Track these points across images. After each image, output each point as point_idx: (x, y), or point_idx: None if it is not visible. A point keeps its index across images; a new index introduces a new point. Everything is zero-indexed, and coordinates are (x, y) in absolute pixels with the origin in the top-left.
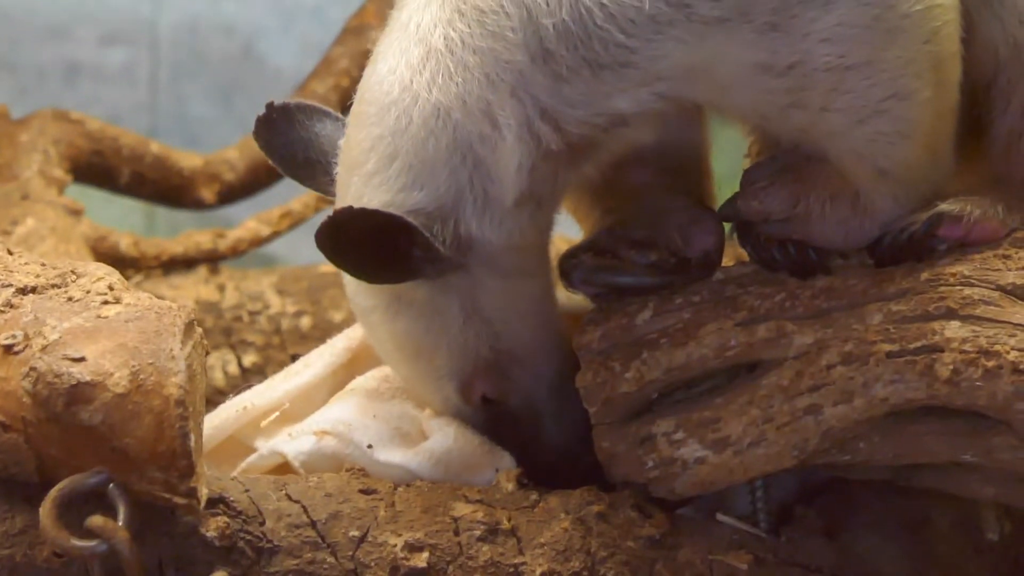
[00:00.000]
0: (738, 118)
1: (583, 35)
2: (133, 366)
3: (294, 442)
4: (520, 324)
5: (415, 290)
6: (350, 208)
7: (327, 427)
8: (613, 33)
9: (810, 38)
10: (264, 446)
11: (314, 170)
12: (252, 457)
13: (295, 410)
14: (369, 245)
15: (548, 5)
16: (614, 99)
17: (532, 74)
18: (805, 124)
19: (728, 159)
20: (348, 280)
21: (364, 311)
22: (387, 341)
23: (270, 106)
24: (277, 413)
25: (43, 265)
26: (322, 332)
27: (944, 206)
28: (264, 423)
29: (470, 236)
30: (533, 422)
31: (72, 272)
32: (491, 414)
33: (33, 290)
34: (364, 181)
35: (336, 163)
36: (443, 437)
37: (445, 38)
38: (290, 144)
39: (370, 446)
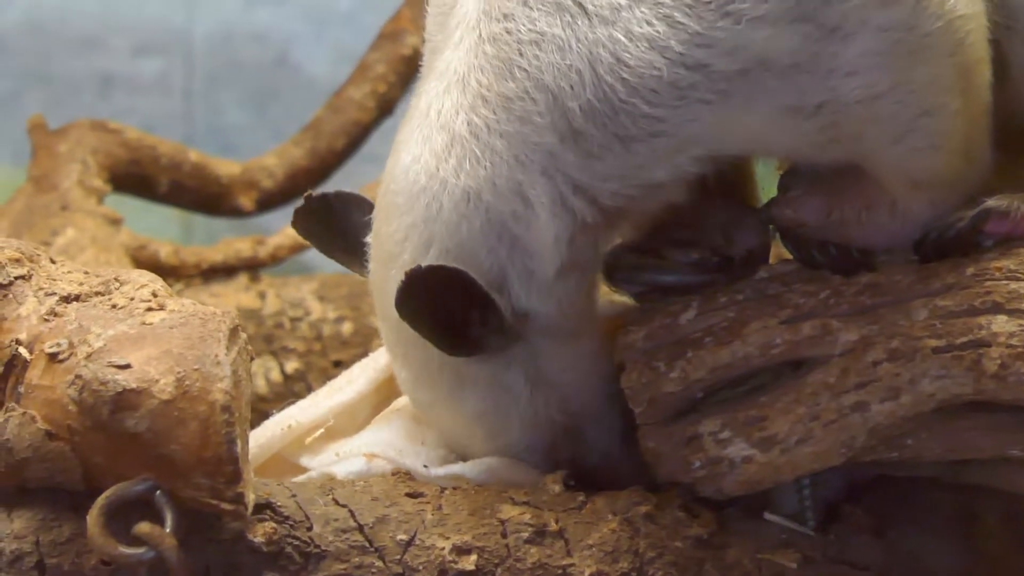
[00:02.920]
0: (780, 158)
1: (609, 112)
2: (178, 372)
3: (344, 463)
4: (584, 383)
5: (476, 371)
6: (418, 267)
7: (377, 450)
8: (638, 105)
9: (835, 74)
10: (312, 463)
11: (353, 258)
12: (301, 477)
13: (339, 426)
14: (438, 313)
15: (572, 88)
16: (650, 170)
17: (563, 153)
18: (841, 155)
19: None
20: (404, 379)
21: (427, 405)
22: (457, 428)
23: (308, 197)
24: (322, 430)
25: (86, 273)
26: (363, 338)
27: (991, 202)
28: (308, 440)
29: (522, 308)
30: (610, 477)
31: (115, 279)
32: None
33: (77, 298)
34: (403, 273)
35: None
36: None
37: (469, 124)
38: (330, 233)
39: (426, 466)
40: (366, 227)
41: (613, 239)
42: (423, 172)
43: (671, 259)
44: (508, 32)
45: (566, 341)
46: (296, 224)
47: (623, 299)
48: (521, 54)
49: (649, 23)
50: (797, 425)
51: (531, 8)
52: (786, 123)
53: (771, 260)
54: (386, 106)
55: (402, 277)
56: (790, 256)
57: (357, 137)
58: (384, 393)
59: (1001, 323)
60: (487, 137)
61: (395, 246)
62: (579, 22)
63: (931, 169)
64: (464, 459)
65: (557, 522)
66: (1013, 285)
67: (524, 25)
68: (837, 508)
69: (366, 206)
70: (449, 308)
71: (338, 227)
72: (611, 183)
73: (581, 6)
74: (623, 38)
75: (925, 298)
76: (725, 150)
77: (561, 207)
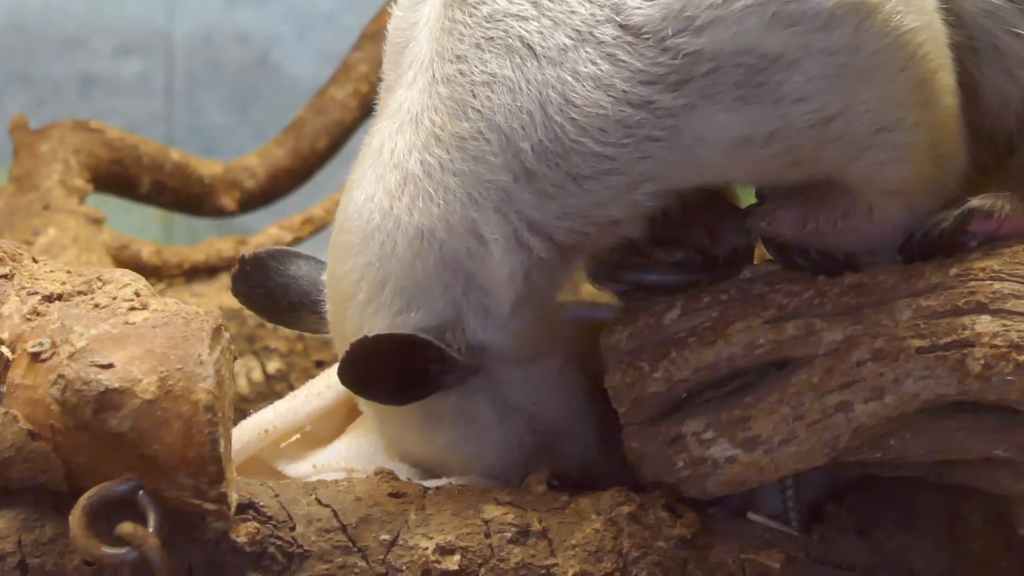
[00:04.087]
0: (744, 186)
1: (561, 151)
2: (161, 372)
3: (322, 476)
4: (552, 402)
5: (443, 403)
6: (364, 339)
7: (357, 465)
8: (588, 144)
9: (783, 102)
10: (288, 470)
11: (300, 313)
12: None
13: (317, 431)
14: (388, 371)
15: (524, 129)
16: (606, 207)
17: (517, 192)
18: (804, 176)
19: None
20: (373, 413)
21: (398, 437)
22: (431, 459)
23: (242, 260)
24: (298, 435)
25: (69, 272)
26: None
27: (974, 202)
28: (284, 444)
29: (479, 341)
30: (592, 482)
31: (98, 279)
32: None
33: (59, 297)
34: (359, 311)
35: (322, 300)
36: None
37: (422, 163)
38: (270, 292)
39: (391, 472)
40: (306, 279)
41: (571, 273)
42: (377, 211)
43: (655, 258)
44: (461, 73)
45: (527, 366)
46: (235, 290)
47: (606, 298)
48: (474, 95)
49: (593, 62)
50: (781, 425)
51: (483, 50)
52: (741, 154)
53: (755, 260)
54: (368, 106)
55: (357, 323)
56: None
57: (339, 137)
58: None
59: (985, 323)
60: (440, 176)
61: (351, 286)
62: (528, 64)
63: (900, 179)
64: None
65: (540, 522)
66: (997, 285)
67: (476, 67)
68: (821, 508)
69: (302, 259)
70: (400, 367)
71: (276, 284)
72: (567, 221)
73: (530, 48)
74: (570, 78)
75: (909, 298)
76: (683, 184)
77: (516, 244)
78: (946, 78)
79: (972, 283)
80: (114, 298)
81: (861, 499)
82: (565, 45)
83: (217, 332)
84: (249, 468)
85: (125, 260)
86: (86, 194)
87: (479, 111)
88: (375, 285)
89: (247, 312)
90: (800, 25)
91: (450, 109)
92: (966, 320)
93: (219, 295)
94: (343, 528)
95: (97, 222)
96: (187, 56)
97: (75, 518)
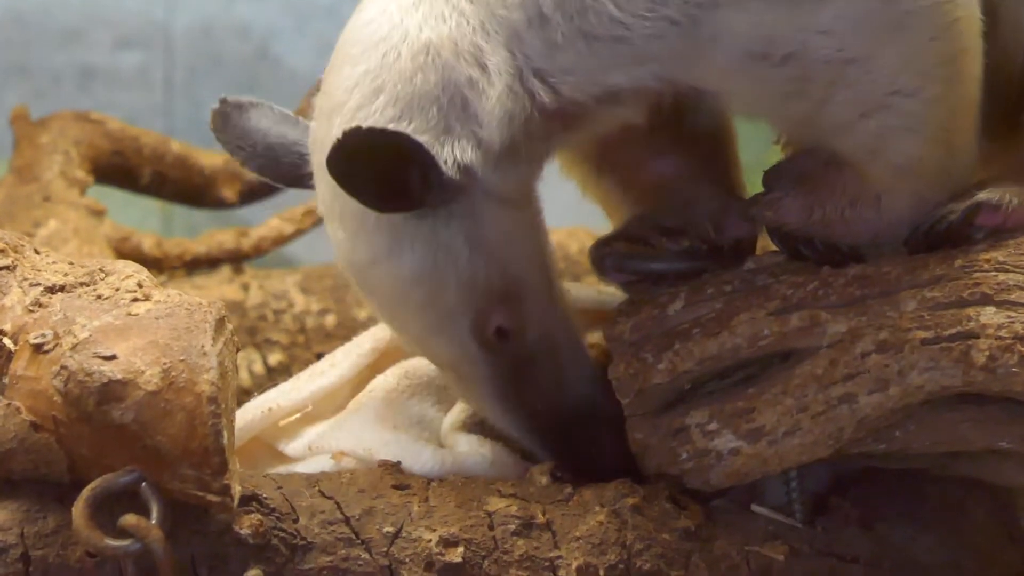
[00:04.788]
0: (739, 108)
1: (579, 6)
2: (164, 363)
3: (312, 461)
4: (523, 250)
5: (415, 228)
6: (357, 128)
7: (347, 448)
8: (608, 6)
9: (807, 29)
10: (288, 449)
11: (275, 154)
12: (280, 469)
13: (318, 410)
14: (375, 169)
15: None
16: (610, 73)
17: (528, 36)
18: (806, 116)
19: (753, 148)
20: (341, 241)
21: (364, 266)
22: (393, 293)
23: (223, 100)
24: (298, 414)
25: (71, 264)
26: (347, 330)
27: (982, 195)
28: (283, 423)
29: (467, 165)
30: (553, 362)
31: (101, 270)
32: (508, 357)
33: (62, 288)
34: (348, 118)
35: (299, 149)
36: (473, 451)
37: None
38: (247, 134)
39: (398, 463)
40: (286, 133)
41: (568, 144)
42: (386, 23)
43: (660, 247)
44: None
45: (508, 208)
46: (214, 127)
47: (610, 289)
48: None
49: None
50: (785, 417)
51: None
52: (752, 67)
53: (759, 251)
54: None
55: (345, 127)
56: None
57: None
58: (366, 377)
59: (990, 315)
60: (414, 17)
61: (343, 94)
62: None
63: (910, 153)
64: (441, 445)
65: (544, 514)
66: (1002, 276)
67: None
68: (825, 500)
69: (288, 119)
70: (387, 169)
71: (254, 128)
72: (572, 76)
73: None
74: None
75: (914, 289)
76: (686, 78)
77: (520, 85)
78: (974, 65)
79: (977, 274)
80: (117, 289)
81: (865, 491)
82: None
83: (220, 323)
84: (250, 448)
85: (126, 252)
86: (87, 185)
87: None
88: (369, 93)
89: (248, 304)
90: None
91: None
92: (971, 311)
93: (220, 287)
94: (346, 520)
95: (98, 214)
96: (187, 49)
97: (78, 510)
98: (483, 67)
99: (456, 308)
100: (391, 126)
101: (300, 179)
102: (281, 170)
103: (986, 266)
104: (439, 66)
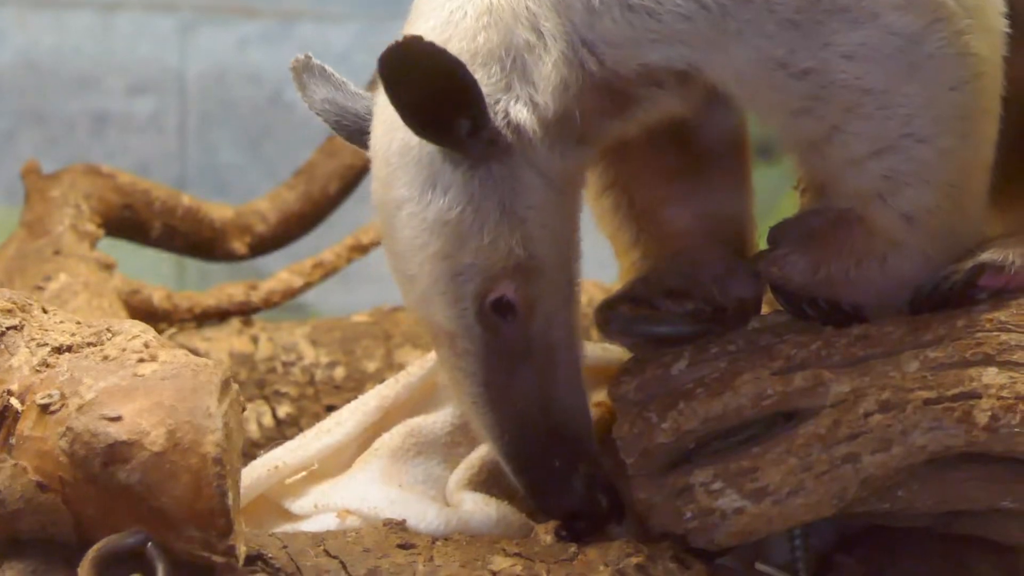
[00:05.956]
0: (755, 113)
1: None
2: (170, 424)
3: (318, 518)
4: (551, 235)
5: (452, 177)
6: (419, 38)
7: (352, 505)
8: None
9: (830, 48)
10: (294, 507)
11: (354, 117)
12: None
13: (324, 468)
14: (425, 88)
15: None
16: (643, 48)
17: (574, 2)
18: (817, 140)
19: (763, 193)
20: (383, 177)
21: (394, 204)
22: (415, 237)
23: (298, 60)
24: (304, 472)
25: (79, 323)
26: (356, 383)
27: (985, 256)
28: (289, 481)
29: (517, 125)
30: (548, 358)
31: (108, 330)
32: (506, 340)
33: (69, 349)
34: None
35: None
36: (478, 509)
37: None
38: (326, 99)
39: (403, 521)
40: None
41: (618, 130)
42: None
43: (665, 309)
44: None
45: (548, 185)
46: (298, 87)
47: (616, 347)
48: None
49: None
50: (789, 476)
51: None
52: (771, 75)
53: (763, 310)
54: None
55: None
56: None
57: (351, 180)
58: (371, 435)
59: (992, 375)
60: None
61: None
62: None
63: (918, 203)
64: (447, 503)
65: (548, 573)
66: (1004, 337)
67: None
68: (829, 558)
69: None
70: (436, 95)
71: (333, 94)
72: (611, 48)
73: None
74: None
75: (916, 349)
76: (709, 70)
77: (572, 53)
78: (991, 126)
79: (979, 335)
80: (123, 349)
81: (869, 549)
82: None
83: (226, 384)
84: (257, 506)
85: (136, 305)
86: (97, 239)
87: None
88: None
89: (257, 357)
90: None
91: None
92: (973, 372)
93: (230, 339)
94: None
95: (108, 267)
96: (200, 95)
97: (84, 570)
98: (539, 33)
99: (469, 267)
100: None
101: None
102: (359, 137)
103: (988, 326)
104: (501, 29)
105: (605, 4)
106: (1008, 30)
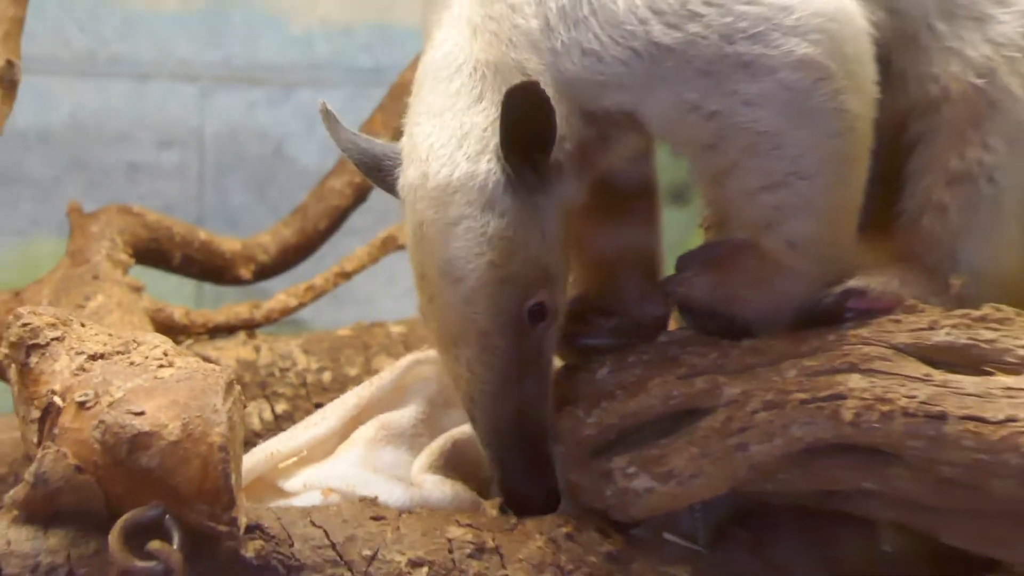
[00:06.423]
0: (673, 147)
1: (576, 19)
2: (184, 418)
3: (306, 496)
4: (564, 251)
5: (509, 202)
6: (536, 83)
7: (334, 485)
8: (593, 24)
9: (735, 96)
10: (286, 485)
11: (375, 160)
12: (280, 502)
13: (312, 454)
14: (523, 120)
15: None
16: (596, 90)
17: (542, 42)
18: (720, 172)
19: (675, 231)
20: (432, 194)
21: (451, 220)
22: (470, 248)
23: (324, 106)
24: (295, 458)
25: (110, 335)
26: (340, 385)
27: (852, 283)
28: (283, 465)
29: (559, 162)
30: (547, 362)
31: (133, 341)
32: (531, 340)
33: (102, 356)
34: (461, 114)
35: (388, 162)
36: (437, 489)
37: (481, 16)
38: (350, 140)
39: (375, 498)
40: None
41: (609, 162)
42: (460, 52)
43: (595, 324)
44: None
45: (565, 212)
46: (329, 130)
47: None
48: None
49: None
50: (690, 462)
51: None
52: (686, 116)
53: (672, 326)
54: (361, 194)
55: (458, 124)
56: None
57: (337, 219)
58: (350, 427)
59: (856, 380)
60: (473, 46)
61: (447, 99)
62: None
63: (801, 232)
64: (411, 483)
65: (494, 540)
66: (866, 349)
67: None
68: (723, 529)
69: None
70: (528, 127)
71: (355, 137)
72: (578, 90)
73: None
74: None
75: (795, 359)
76: (644, 113)
77: (555, 91)
78: (861, 171)
79: (846, 347)
80: (146, 357)
81: (757, 521)
82: None
83: (230, 385)
84: (256, 485)
85: (161, 321)
86: (128, 266)
87: None
88: (472, 99)
89: (259, 363)
90: (776, 52)
91: None
92: (840, 378)
93: (236, 349)
94: (332, 545)
95: (137, 290)
96: (216, 149)
97: (113, 537)
98: (526, 74)
99: (515, 275)
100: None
101: (387, 184)
102: (376, 174)
103: (853, 340)
104: (499, 83)
105: (566, 47)
106: (878, 95)
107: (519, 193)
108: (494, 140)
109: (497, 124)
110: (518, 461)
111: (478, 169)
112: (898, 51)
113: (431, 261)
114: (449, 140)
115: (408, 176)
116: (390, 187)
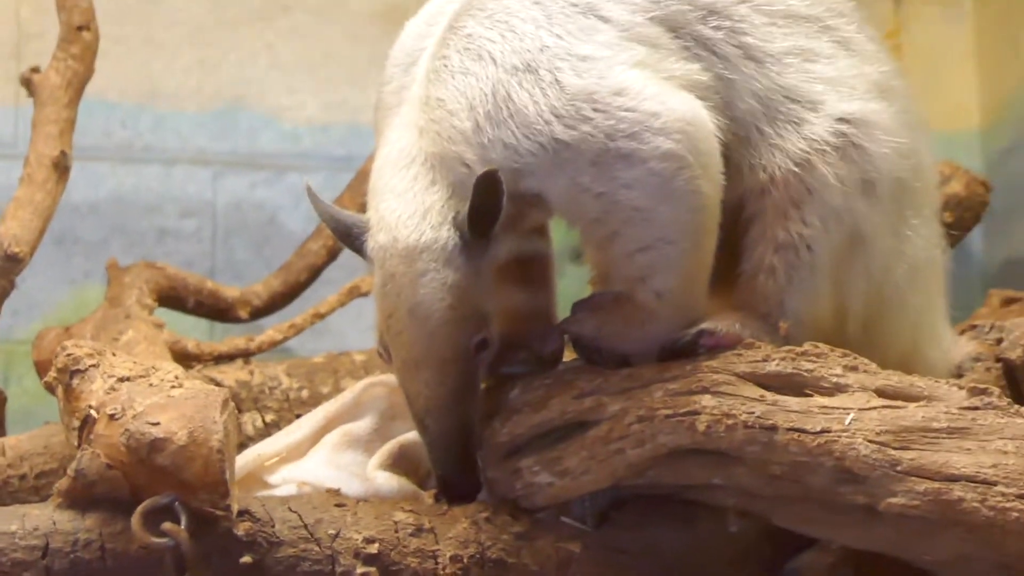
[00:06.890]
0: (568, 221)
1: (499, 119)
2: (190, 428)
3: (285, 488)
4: (494, 291)
5: (467, 260)
6: (496, 171)
7: (306, 479)
8: (511, 125)
9: (616, 180)
10: (270, 479)
11: (347, 230)
12: (263, 493)
13: (290, 455)
14: (484, 200)
15: (481, 100)
16: (514, 177)
17: (474, 138)
18: (604, 239)
19: (574, 283)
20: (402, 252)
21: (419, 272)
22: (434, 295)
23: (309, 188)
24: (277, 458)
25: (134, 363)
26: (315, 401)
27: (705, 324)
28: (267, 463)
29: (497, 231)
30: (478, 382)
31: (152, 367)
32: (474, 366)
33: (128, 379)
34: (421, 194)
35: (356, 231)
36: (386, 483)
37: (424, 120)
38: (331, 213)
39: (338, 490)
40: (347, 218)
41: (523, 228)
42: (411, 146)
43: (509, 356)
44: (446, 67)
45: (498, 263)
46: (315, 207)
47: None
48: (453, 77)
49: (532, 86)
50: (581, 463)
51: (461, 54)
52: (579, 195)
53: (567, 358)
54: (334, 254)
55: (418, 201)
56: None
57: (315, 273)
58: (319, 434)
59: (707, 400)
60: (430, 126)
61: (407, 183)
62: (489, 67)
63: (666, 285)
64: (366, 478)
65: (430, 522)
66: (715, 376)
67: (456, 63)
68: (607, 514)
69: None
70: (486, 203)
71: (334, 212)
72: (506, 178)
73: (492, 57)
74: (515, 83)
75: (661, 383)
76: (547, 193)
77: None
78: (711, 239)
79: (700, 375)
80: (162, 380)
81: (634, 507)
82: (516, 66)
83: (226, 402)
84: (246, 479)
85: (177, 351)
86: (153, 308)
87: (456, 87)
88: (428, 182)
89: (253, 383)
90: (647, 147)
91: (438, 80)
92: (696, 398)
93: (235, 372)
94: (305, 526)
95: (159, 327)
96: (224, 217)
97: (135, 519)
98: (465, 163)
99: (466, 316)
100: (452, 201)
101: (355, 246)
102: (346, 238)
103: (706, 369)
104: (443, 171)
105: (492, 142)
106: (724, 181)
107: (471, 254)
108: (450, 214)
109: (450, 202)
110: (454, 460)
111: (440, 235)
112: (735, 147)
113: (401, 304)
114: (414, 213)
115: (379, 239)
116: (358, 248)
